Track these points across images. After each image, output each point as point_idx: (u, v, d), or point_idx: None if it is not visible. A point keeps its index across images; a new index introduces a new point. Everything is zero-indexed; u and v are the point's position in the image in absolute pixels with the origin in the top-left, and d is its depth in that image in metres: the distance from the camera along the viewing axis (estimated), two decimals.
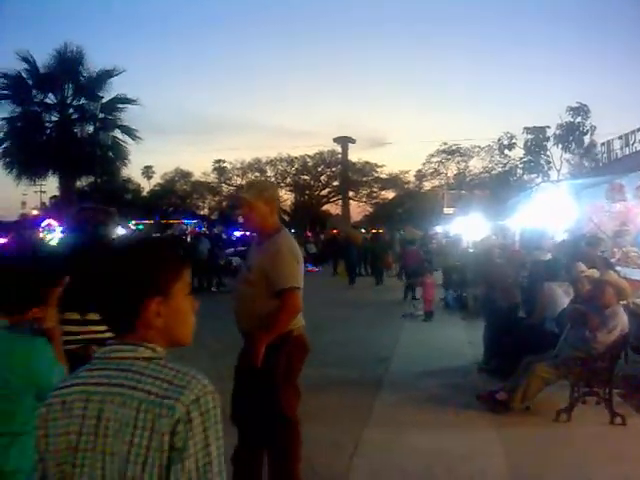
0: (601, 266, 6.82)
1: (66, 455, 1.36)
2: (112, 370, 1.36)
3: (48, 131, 24.10)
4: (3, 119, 22.92)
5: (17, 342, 2.07)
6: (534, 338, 6.33)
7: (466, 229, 20.10)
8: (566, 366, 5.44)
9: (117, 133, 24.24)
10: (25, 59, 23.03)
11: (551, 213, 10.88)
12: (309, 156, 50.27)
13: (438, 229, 34.63)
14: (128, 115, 24.41)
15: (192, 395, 1.28)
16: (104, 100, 23.14)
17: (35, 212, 35.21)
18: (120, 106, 24.24)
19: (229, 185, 52.21)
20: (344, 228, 36.51)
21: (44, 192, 47.59)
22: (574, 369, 5.40)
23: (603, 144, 18.79)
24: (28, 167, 23.50)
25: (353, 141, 53.30)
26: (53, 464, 1.37)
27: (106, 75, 23.97)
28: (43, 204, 48.36)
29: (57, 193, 29.57)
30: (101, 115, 22.36)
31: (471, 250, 14.95)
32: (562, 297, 6.59)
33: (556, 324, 6.24)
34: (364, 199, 53.00)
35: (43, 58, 23.52)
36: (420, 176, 49.95)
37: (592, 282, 5.82)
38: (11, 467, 1.97)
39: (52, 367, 2.09)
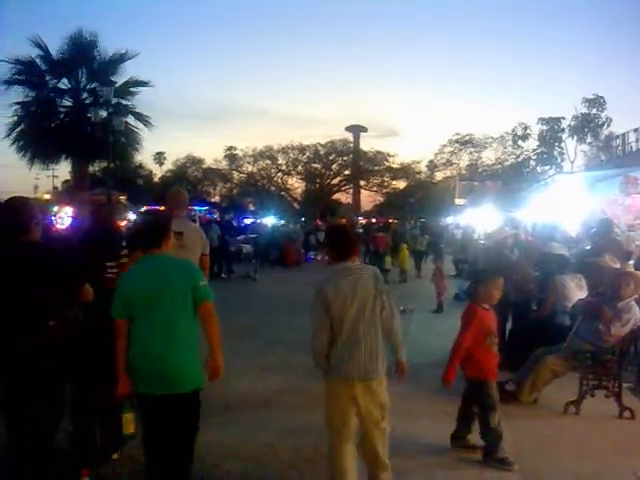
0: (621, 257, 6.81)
1: (341, 306, 3.43)
2: (349, 269, 3.51)
3: (61, 116, 24.17)
4: (17, 103, 22.98)
5: (182, 261, 3.54)
6: (544, 331, 6.29)
7: (477, 220, 20.02)
8: (576, 359, 5.41)
9: (130, 119, 24.30)
10: (37, 44, 23.05)
11: (565, 205, 10.79)
12: (321, 144, 50.14)
13: (449, 220, 34.54)
14: (141, 101, 24.48)
15: (374, 270, 3.65)
16: (117, 84, 23.14)
17: (47, 196, 35.36)
18: (133, 90, 24.27)
19: (240, 172, 52.18)
20: (347, 216, 36.88)
21: (56, 176, 47.81)
22: (584, 362, 5.37)
23: (618, 137, 18.65)
24: (41, 151, 23.58)
25: (365, 130, 53.23)
26: (335, 311, 3.43)
27: (119, 59, 23.97)
28: (55, 188, 48.58)
29: (69, 178, 29.69)
30: (114, 100, 22.38)
31: (482, 241, 14.89)
32: (574, 290, 6.54)
33: (570, 317, 6.20)
34: (375, 188, 52.86)
35: (55, 43, 23.60)
36: (432, 166, 49.74)
37: (613, 274, 5.77)
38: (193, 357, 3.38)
39: None
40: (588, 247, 8.03)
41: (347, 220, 30.93)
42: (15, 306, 3.29)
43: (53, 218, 17.29)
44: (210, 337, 3.39)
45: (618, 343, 5.36)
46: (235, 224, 27.69)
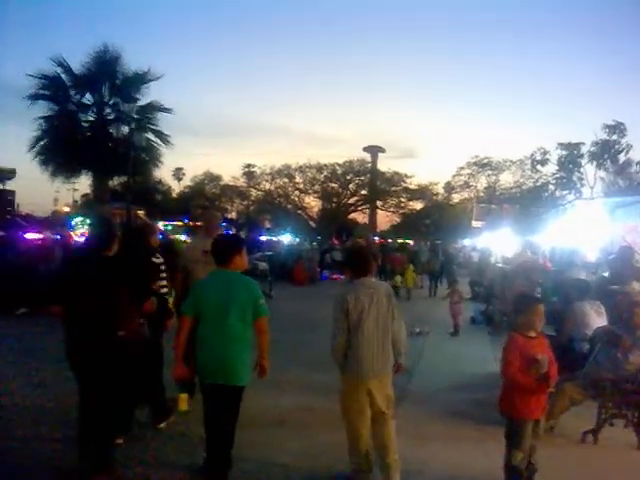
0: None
1: (359, 314, 4.04)
2: (368, 284, 4.16)
3: (84, 130, 24.52)
4: (41, 117, 23.42)
5: (247, 279, 4.09)
6: (562, 357, 6.20)
7: (495, 243, 19.89)
8: (595, 387, 5.33)
9: (150, 135, 24.60)
10: (60, 64, 23.43)
11: (584, 231, 10.71)
12: (338, 164, 50.25)
13: (466, 242, 34.35)
14: (162, 118, 24.79)
15: (388, 287, 4.38)
16: (140, 103, 23.48)
17: (67, 209, 35.81)
18: (156, 113, 24.60)
19: (258, 190, 52.44)
20: (364, 236, 37.08)
21: (76, 190, 48.43)
22: (603, 390, 5.29)
23: (638, 163, 18.49)
24: (63, 165, 23.93)
25: (383, 150, 53.15)
26: (354, 318, 4.03)
27: (143, 78, 24.31)
28: (75, 202, 49.20)
29: (89, 191, 30.04)
30: (136, 117, 22.70)
31: (499, 264, 14.78)
32: (593, 317, 6.46)
33: (589, 344, 6.11)
34: (392, 209, 52.75)
35: (80, 58, 23.94)
36: (449, 188, 49.60)
37: (625, 303, 5.70)
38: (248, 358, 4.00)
39: None
40: (606, 274, 7.95)
41: (365, 240, 31.22)
42: (92, 316, 3.81)
43: (72, 231, 17.58)
44: (260, 344, 4.06)
45: (638, 371, 5.27)
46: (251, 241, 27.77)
